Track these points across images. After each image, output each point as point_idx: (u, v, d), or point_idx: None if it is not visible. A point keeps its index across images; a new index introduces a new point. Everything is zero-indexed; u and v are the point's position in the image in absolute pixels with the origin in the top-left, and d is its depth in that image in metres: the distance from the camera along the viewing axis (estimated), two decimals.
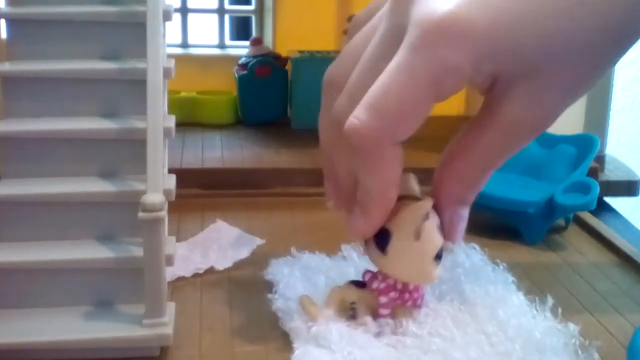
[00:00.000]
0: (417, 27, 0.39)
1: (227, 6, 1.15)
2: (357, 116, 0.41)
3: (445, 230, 0.47)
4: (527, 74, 0.41)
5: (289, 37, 1.07)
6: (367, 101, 0.41)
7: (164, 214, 0.45)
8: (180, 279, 0.58)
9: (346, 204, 0.49)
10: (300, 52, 1.01)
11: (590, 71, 0.41)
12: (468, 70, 0.39)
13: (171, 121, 0.53)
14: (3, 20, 0.54)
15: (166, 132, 0.50)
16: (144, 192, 0.46)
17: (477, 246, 0.61)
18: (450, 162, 0.45)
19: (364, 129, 0.41)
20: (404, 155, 0.44)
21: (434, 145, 0.88)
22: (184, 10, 1.13)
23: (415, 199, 0.48)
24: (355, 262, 0.59)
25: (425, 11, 0.39)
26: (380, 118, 0.41)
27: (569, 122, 0.87)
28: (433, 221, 0.46)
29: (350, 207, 0.48)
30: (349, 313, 0.50)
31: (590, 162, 0.71)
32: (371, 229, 0.46)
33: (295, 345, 0.48)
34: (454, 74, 0.39)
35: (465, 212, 0.46)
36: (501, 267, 0.59)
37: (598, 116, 0.88)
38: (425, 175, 0.80)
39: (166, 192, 0.47)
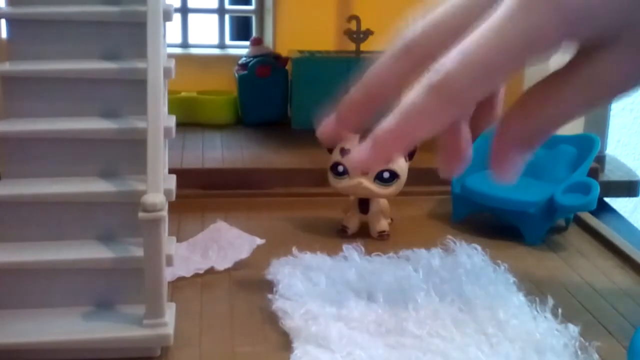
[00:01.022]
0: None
1: (227, 6, 1.14)
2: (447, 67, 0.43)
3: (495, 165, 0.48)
4: (613, 40, 0.42)
5: (289, 37, 1.07)
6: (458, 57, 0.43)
7: (164, 214, 0.45)
8: (181, 279, 0.58)
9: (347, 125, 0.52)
10: (300, 52, 1.01)
11: None
12: (556, 37, 0.41)
13: (171, 121, 0.53)
14: (3, 20, 0.54)
15: (166, 132, 0.50)
16: (144, 192, 0.46)
17: (478, 247, 0.61)
18: (521, 108, 0.46)
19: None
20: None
21: (434, 145, 0.88)
22: (184, 10, 1.13)
23: None
24: (356, 262, 0.59)
25: None
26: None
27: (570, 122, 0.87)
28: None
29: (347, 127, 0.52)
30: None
31: (591, 163, 0.71)
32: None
33: (295, 345, 0.48)
34: (544, 39, 0.41)
35: (517, 155, 0.47)
36: (502, 267, 0.59)
37: (598, 116, 0.88)
38: (426, 175, 0.81)
39: (166, 192, 0.47)
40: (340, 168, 0.65)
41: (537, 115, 0.46)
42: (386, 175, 0.64)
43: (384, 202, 0.69)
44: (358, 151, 0.48)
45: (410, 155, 0.66)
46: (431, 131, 0.46)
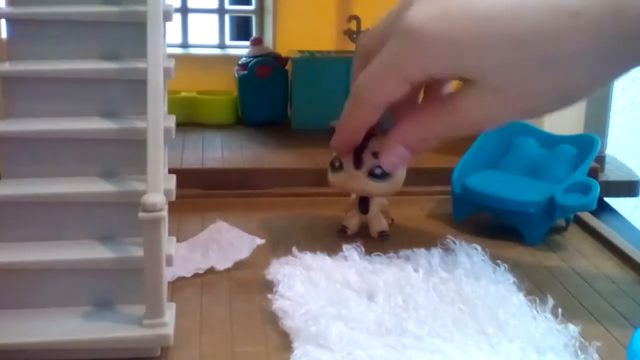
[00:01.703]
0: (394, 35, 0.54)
1: (227, 6, 1.14)
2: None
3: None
4: (475, 80, 0.52)
5: (289, 37, 1.07)
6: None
7: (164, 214, 0.45)
8: (181, 279, 0.58)
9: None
10: (300, 52, 1.01)
11: (525, 97, 0.52)
12: (419, 62, 0.53)
13: (171, 121, 0.53)
14: (3, 20, 0.54)
15: (166, 132, 0.50)
16: (144, 192, 0.46)
17: (478, 247, 0.61)
18: (405, 121, 0.60)
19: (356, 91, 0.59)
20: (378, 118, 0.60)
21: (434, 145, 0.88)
22: (184, 10, 1.13)
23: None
24: (356, 262, 0.59)
25: (401, 24, 0.53)
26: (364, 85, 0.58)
27: (570, 122, 0.87)
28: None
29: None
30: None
31: (591, 163, 0.71)
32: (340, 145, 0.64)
33: (295, 345, 0.48)
34: (410, 63, 0.54)
35: (402, 151, 0.61)
36: (502, 267, 0.59)
37: (598, 116, 0.88)
38: (426, 175, 0.81)
39: (166, 192, 0.47)
40: (337, 163, 0.65)
41: (417, 128, 0.59)
42: (378, 171, 0.64)
43: (384, 202, 0.69)
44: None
45: None
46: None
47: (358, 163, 0.64)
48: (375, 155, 0.64)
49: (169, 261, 0.48)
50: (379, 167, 0.64)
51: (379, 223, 0.68)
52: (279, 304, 0.52)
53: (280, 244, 0.64)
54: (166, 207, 0.46)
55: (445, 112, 0.56)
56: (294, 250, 0.60)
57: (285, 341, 0.49)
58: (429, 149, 0.61)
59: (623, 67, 0.50)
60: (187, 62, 1.07)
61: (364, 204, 0.68)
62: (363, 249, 0.61)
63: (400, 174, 0.66)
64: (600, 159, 0.87)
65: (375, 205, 0.68)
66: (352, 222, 0.69)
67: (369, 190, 0.66)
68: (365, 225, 0.69)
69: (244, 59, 1.01)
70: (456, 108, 0.54)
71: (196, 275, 0.59)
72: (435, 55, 0.52)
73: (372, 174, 0.64)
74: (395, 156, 0.60)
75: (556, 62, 0.50)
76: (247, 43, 1.04)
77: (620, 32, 0.48)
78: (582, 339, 0.49)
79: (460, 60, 0.52)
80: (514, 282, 0.57)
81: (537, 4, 0.49)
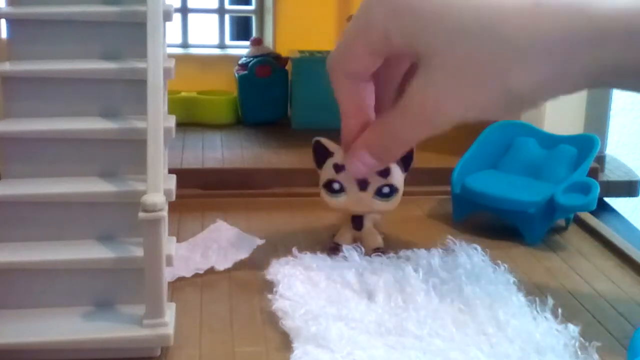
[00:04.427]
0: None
1: (227, 6, 1.15)
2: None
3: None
4: (427, 56, 0.50)
5: (289, 37, 1.07)
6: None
7: (164, 214, 0.45)
8: (181, 279, 0.58)
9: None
10: (300, 52, 1.01)
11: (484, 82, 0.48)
12: (383, 27, 0.51)
13: (171, 121, 0.53)
14: (3, 20, 0.54)
15: (166, 132, 0.50)
16: (144, 192, 0.46)
17: (478, 247, 0.61)
18: (370, 128, 0.57)
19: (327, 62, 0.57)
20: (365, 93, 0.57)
21: (434, 145, 0.88)
22: (184, 10, 1.13)
23: None
24: (356, 262, 0.59)
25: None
26: (333, 55, 0.57)
27: (570, 122, 0.87)
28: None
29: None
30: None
31: (591, 163, 0.71)
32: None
33: (294, 345, 0.48)
34: (374, 27, 0.52)
35: (367, 158, 0.58)
36: (502, 267, 0.59)
37: (598, 116, 0.88)
38: (426, 175, 0.81)
39: (166, 192, 0.47)
40: (336, 185, 0.61)
41: (378, 133, 0.56)
42: (386, 190, 0.61)
43: (377, 216, 0.66)
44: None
45: (406, 168, 0.62)
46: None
47: (363, 184, 0.60)
48: (381, 174, 0.60)
49: (169, 261, 0.48)
50: (387, 185, 0.61)
51: (373, 240, 0.64)
52: (279, 304, 0.52)
53: (280, 244, 0.63)
54: (166, 207, 0.46)
55: (399, 106, 0.53)
56: (294, 250, 0.60)
57: (285, 341, 0.49)
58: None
59: (586, 72, 0.46)
60: (187, 62, 1.07)
61: (357, 221, 0.64)
62: (363, 249, 0.61)
63: (401, 187, 0.62)
64: (600, 159, 0.87)
65: (368, 221, 0.64)
66: (345, 239, 0.64)
67: (378, 210, 0.62)
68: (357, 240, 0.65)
69: (244, 59, 1.01)
70: (407, 95, 0.52)
71: (196, 275, 0.59)
72: (397, 23, 0.50)
73: (379, 194, 0.61)
74: (362, 163, 0.58)
75: (510, 50, 0.46)
76: (247, 43, 1.04)
77: (587, 29, 0.44)
78: (582, 339, 0.49)
79: (419, 30, 0.50)
80: (514, 282, 0.57)
81: None
